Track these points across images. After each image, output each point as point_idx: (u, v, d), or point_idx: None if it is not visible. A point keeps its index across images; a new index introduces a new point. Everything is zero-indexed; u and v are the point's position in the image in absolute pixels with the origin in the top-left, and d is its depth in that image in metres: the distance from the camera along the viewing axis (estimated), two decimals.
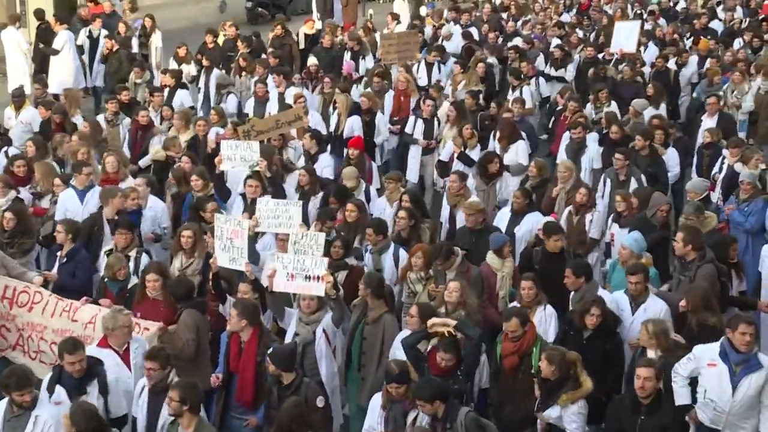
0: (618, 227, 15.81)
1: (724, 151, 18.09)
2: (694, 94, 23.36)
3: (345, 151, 18.74)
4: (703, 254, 13.75)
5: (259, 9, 40.43)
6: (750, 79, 22.50)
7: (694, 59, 25.34)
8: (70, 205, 16.04)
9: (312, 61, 24.79)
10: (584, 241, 15.81)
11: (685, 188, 17.91)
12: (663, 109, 21.46)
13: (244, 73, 23.67)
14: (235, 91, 23.04)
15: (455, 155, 19.00)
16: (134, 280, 13.66)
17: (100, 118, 20.41)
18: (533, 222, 15.56)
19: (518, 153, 18.64)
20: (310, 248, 13.08)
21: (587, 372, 11.53)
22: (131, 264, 14.02)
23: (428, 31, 29.58)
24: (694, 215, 15.26)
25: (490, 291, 13.97)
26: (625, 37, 25.57)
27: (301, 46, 28.25)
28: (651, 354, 11.85)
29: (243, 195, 16.19)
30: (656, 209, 15.55)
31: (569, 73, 24.98)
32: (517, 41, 27.56)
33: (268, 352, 11.51)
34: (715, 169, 18.20)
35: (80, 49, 26.44)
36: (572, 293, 13.37)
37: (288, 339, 12.50)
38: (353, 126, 20.12)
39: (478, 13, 32.82)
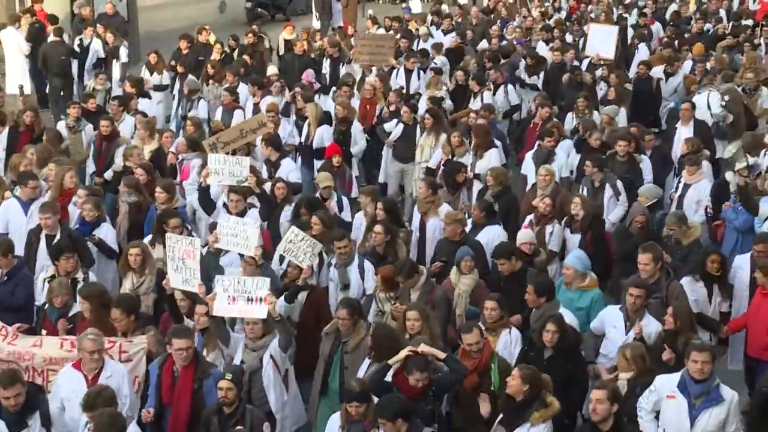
0: (570, 233, 15.63)
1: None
2: (672, 103, 22.95)
3: (315, 161, 18.67)
4: (666, 270, 13.47)
5: (259, 9, 40.24)
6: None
7: (684, 67, 24.93)
8: (13, 217, 15.63)
9: (272, 70, 24.41)
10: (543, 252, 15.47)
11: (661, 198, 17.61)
12: (623, 114, 21.27)
13: (212, 81, 23.27)
14: (205, 97, 22.69)
15: (442, 162, 18.71)
16: (77, 307, 13.11)
17: (61, 125, 20.06)
18: (491, 235, 15.27)
19: (491, 160, 18.29)
20: (303, 253, 13.15)
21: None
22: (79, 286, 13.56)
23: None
24: (676, 225, 14.97)
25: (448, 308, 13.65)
26: (601, 41, 25.13)
27: (281, 51, 27.92)
28: (624, 376, 11.53)
29: (226, 207, 15.82)
30: (632, 219, 15.41)
31: (541, 79, 24.67)
32: (484, 45, 27.46)
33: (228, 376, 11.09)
34: (671, 189, 17.95)
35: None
36: (533, 311, 13.02)
37: None
38: (323, 135, 19.78)
39: (468, 16, 32.44)
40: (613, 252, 15.40)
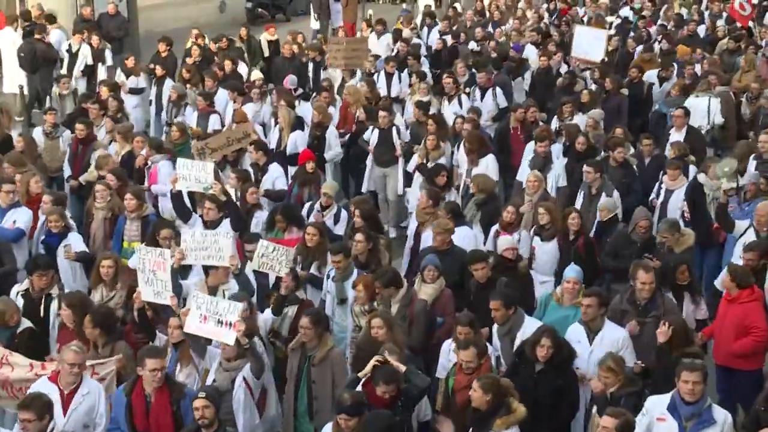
0: (540, 240, 15.27)
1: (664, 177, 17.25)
2: (656, 107, 22.59)
3: (288, 167, 18.28)
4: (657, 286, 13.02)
5: (259, 9, 40.15)
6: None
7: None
8: None
9: (256, 74, 23.85)
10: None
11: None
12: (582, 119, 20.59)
13: (188, 86, 22.76)
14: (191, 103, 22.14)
15: (417, 166, 18.48)
16: (26, 323, 12.66)
17: (38, 131, 19.66)
18: (461, 237, 14.90)
19: (489, 167, 17.98)
20: (279, 263, 12.82)
21: (538, 408, 11.07)
22: (54, 303, 13.12)
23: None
24: (668, 233, 14.75)
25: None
26: (588, 44, 24.66)
27: (265, 53, 27.54)
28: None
29: (201, 216, 15.47)
30: (635, 225, 15.04)
31: (526, 81, 24.29)
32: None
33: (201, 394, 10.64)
34: (653, 194, 17.51)
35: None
36: (495, 326, 12.61)
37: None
38: (297, 141, 19.32)
39: (461, 18, 32.07)
40: (602, 257, 15.09)
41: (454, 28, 29.65)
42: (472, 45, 27.49)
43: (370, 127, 19.97)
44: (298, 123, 19.78)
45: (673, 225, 14.98)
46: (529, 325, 12.32)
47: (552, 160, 18.21)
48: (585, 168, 16.84)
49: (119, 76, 23.66)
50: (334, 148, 19.71)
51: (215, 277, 13.23)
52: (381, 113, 19.77)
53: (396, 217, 19.63)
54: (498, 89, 22.35)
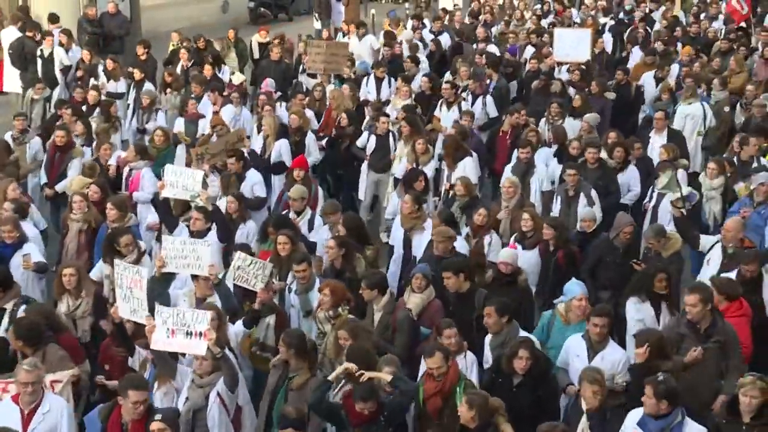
0: (521, 249, 14.87)
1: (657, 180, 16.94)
2: (647, 111, 22.38)
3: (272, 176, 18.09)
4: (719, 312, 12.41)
5: (262, 9, 40.03)
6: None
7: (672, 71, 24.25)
8: None
9: (238, 78, 23.69)
10: (483, 264, 14.66)
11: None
12: (568, 122, 20.51)
13: (169, 90, 22.47)
14: (162, 108, 21.88)
15: (407, 171, 18.02)
16: None
17: (8, 136, 19.17)
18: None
19: (466, 170, 17.63)
20: (254, 277, 12.56)
21: (519, 421, 10.72)
22: (5, 319, 12.73)
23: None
24: (654, 239, 14.54)
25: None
26: (571, 45, 24.36)
27: (255, 56, 27.22)
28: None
29: (188, 225, 15.17)
30: (619, 231, 14.74)
31: (556, 86, 23.64)
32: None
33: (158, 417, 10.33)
34: (646, 198, 17.25)
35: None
36: (489, 337, 12.27)
37: (180, 404, 11.24)
38: (281, 149, 19.01)
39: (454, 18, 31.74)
40: (582, 264, 14.78)
41: (457, 27, 29.51)
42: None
43: (365, 133, 19.74)
44: (282, 131, 19.46)
45: (659, 231, 14.72)
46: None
47: (534, 166, 17.91)
48: (568, 171, 16.64)
49: (100, 78, 23.45)
50: (313, 154, 19.37)
51: (200, 289, 12.95)
52: (382, 119, 19.51)
53: None
54: (489, 98, 22.04)
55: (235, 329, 12.42)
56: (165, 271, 13.14)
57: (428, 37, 28.31)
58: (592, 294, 13.98)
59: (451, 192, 16.96)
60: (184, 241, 13.27)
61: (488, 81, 22.80)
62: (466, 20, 31.98)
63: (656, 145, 18.91)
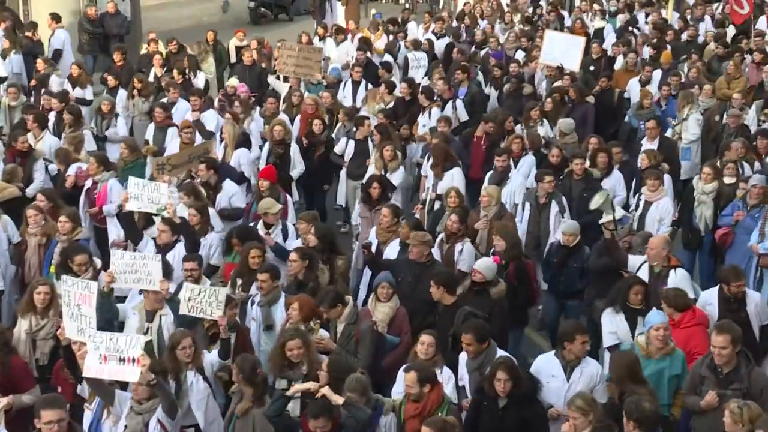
0: None
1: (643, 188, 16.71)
2: (626, 118, 21.95)
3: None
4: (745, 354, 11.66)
5: (262, 9, 39.86)
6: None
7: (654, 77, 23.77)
8: None
9: (233, 81, 23.00)
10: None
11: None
12: (548, 126, 20.34)
13: (137, 96, 21.87)
14: (124, 114, 21.37)
15: None
16: None
17: None
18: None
19: (454, 180, 17.32)
20: (209, 305, 11.96)
21: None
22: None
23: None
24: (642, 247, 14.35)
25: None
26: (561, 51, 23.88)
27: (232, 59, 26.76)
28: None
29: (155, 239, 14.87)
30: (619, 239, 14.85)
31: (527, 89, 23.35)
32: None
33: None
34: (632, 206, 16.94)
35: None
36: (466, 360, 11.84)
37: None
38: (240, 159, 18.51)
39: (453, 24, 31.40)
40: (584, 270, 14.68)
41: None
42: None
43: (344, 139, 19.37)
44: (243, 140, 18.99)
45: (647, 239, 14.43)
46: None
47: (509, 177, 17.51)
48: (546, 177, 16.31)
49: (65, 86, 22.88)
50: (298, 166, 18.94)
51: (149, 302, 12.68)
52: (366, 122, 19.30)
53: None
54: (459, 102, 21.70)
55: (211, 359, 11.92)
56: (115, 286, 12.89)
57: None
58: (591, 300, 14.20)
59: (438, 201, 16.93)
60: (134, 255, 13.01)
61: (460, 85, 22.45)
62: (454, 23, 31.61)
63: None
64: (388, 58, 25.87)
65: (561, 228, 15.30)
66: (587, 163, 17.46)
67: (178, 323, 12.39)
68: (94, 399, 11.21)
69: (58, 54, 25.84)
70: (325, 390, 10.49)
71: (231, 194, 16.89)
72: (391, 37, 27.98)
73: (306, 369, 11.25)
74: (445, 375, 11.63)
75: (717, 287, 13.21)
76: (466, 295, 13.26)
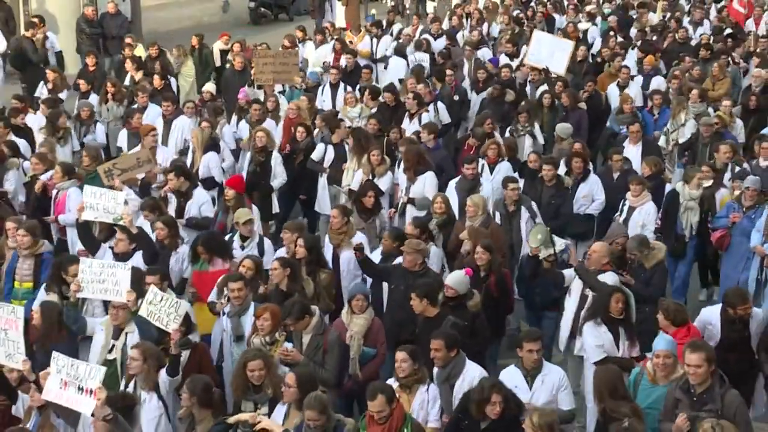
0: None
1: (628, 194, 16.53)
2: (608, 124, 21.63)
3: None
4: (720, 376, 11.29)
5: (262, 9, 39.74)
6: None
7: (636, 81, 23.59)
8: None
9: (209, 87, 22.85)
10: None
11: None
12: (537, 131, 20.11)
13: (111, 101, 21.41)
14: (102, 121, 20.96)
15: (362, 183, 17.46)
16: None
17: None
18: None
19: (426, 185, 17.07)
20: (167, 315, 11.68)
21: None
22: None
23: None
24: (637, 250, 14.20)
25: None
26: (549, 53, 23.63)
27: (217, 63, 26.40)
28: None
29: (112, 248, 14.51)
30: (613, 240, 14.53)
31: (510, 95, 22.74)
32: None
33: None
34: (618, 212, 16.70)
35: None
36: (436, 371, 11.62)
37: None
38: (209, 164, 18.19)
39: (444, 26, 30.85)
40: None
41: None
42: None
43: (322, 144, 19.00)
44: (212, 144, 18.57)
45: (642, 242, 14.39)
46: (470, 372, 11.46)
47: (480, 184, 17.12)
48: (510, 185, 16.13)
49: (41, 90, 22.68)
50: (279, 176, 18.38)
51: (114, 318, 12.27)
52: (340, 128, 18.98)
53: None
54: (440, 104, 21.42)
55: (162, 378, 11.50)
56: (81, 296, 12.57)
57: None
58: None
59: (410, 205, 16.79)
60: (103, 264, 12.67)
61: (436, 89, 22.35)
62: (444, 25, 31.07)
63: (631, 156, 18.44)
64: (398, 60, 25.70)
65: (528, 239, 14.94)
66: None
67: (142, 336, 12.04)
68: (30, 421, 10.87)
69: (60, 56, 25.92)
70: (264, 423, 10.32)
71: (201, 203, 16.49)
72: (374, 39, 27.55)
73: (271, 393, 11.04)
74: (431, 393, 11.32)
75: (719, 307, 12.83)
76: (444, 308, 12.90)
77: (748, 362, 12.40)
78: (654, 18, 32.22)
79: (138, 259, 13.98)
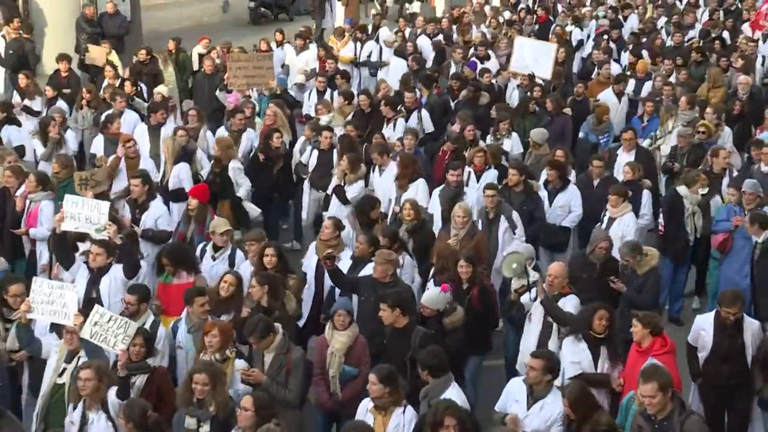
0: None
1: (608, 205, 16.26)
2: (581, 134, 21.16)
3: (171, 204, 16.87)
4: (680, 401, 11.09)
5: (262, 9, 39.50)
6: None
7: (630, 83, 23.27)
8: None
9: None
10: None
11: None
12: (516, 139, 19.80)
13: (86, 106, 20.87)
14: (75, 128, 20.43)
15: (333, 189, 17.40)
16: None
17: None
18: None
19: (418, 193, 16.73)
20: (114, 336, 11.32)
21: None
22: None
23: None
24: (629, 256, 14.10)
25: (321, 366, 12.28)
26: (534, 58, 23.33)
27: (195, 67, 25.68)
28: None
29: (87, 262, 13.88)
30: (595, 246, 14.38)
31: (484, 98, 22.43)
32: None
33: None
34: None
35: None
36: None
37: None
38: (180, 174, 17.52)
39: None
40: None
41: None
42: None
43: (308, 149, 18.74)
44: (183, 154, 17.96)
45: (635, 248, 14.23)
46: (450, 394, 11.05)
47: (464, 192, 16.79)
48: (486, 192, 15.80)
49: (14, 96, 22.23)
50: (243, 185, 17.91)
51: (68, 342, 11.89)
52: (325, 134, 18.61)
53: None
54: (423, 112, 21.05)
55: (111, 399, 11.12)
56: (30, 317, 12.11)
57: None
58: None
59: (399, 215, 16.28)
60: (53, 285, 12.24)
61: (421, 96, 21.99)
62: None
63: (623, 163, 18.06)
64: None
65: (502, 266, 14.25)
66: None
67: (87, 354, 11.62)
68: None
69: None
70: None
71: (157, 216, 15.88)
72: (358, 44, 27.13)
73: (213, 410, 10.65)
74: (407, 415, 10.95)
75: (713, 312, 12.78)
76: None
77: (742, 377, 12.35)
78: (635, 19, 32.20)
79: (117, 273, 13.59)
